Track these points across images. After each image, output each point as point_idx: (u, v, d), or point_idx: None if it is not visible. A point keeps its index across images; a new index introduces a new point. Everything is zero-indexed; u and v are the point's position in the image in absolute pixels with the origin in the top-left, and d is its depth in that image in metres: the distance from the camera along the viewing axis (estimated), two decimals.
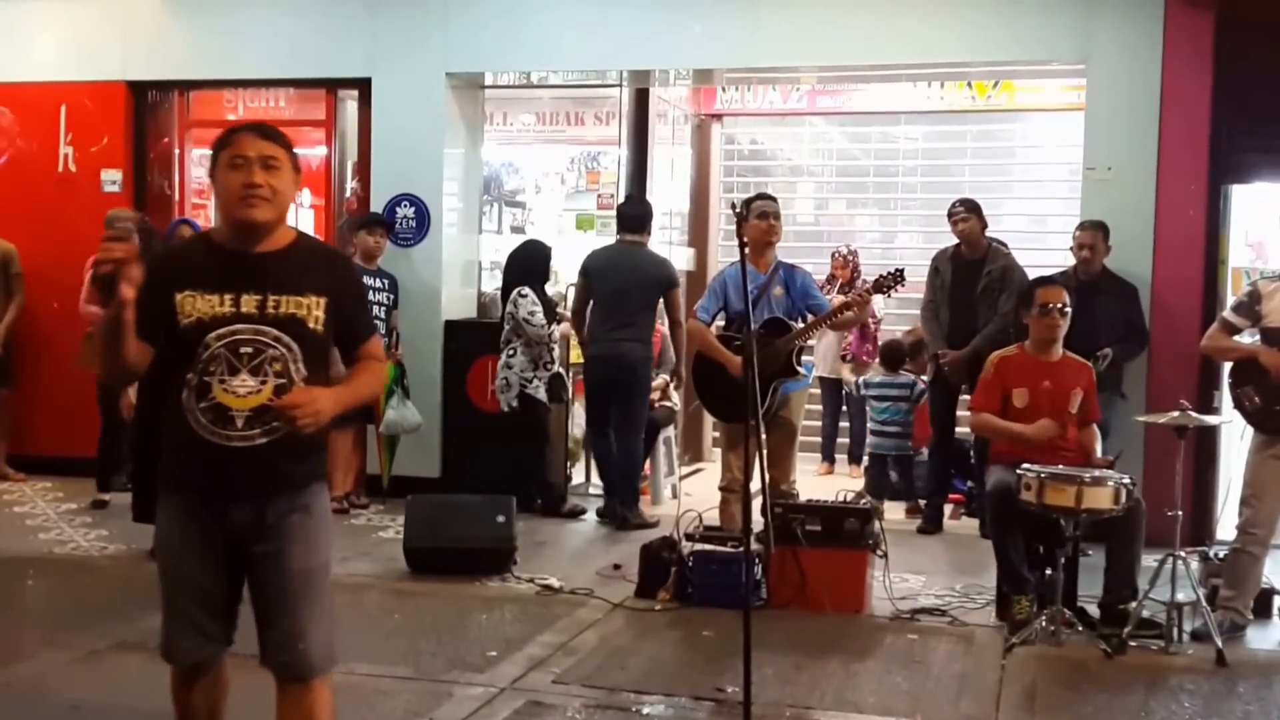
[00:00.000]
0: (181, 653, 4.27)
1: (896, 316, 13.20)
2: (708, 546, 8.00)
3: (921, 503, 10.64)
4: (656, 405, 10.98)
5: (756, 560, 7.48)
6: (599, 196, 13.12)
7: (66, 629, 7.17)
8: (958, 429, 10.45)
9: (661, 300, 10.29)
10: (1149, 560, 7.40)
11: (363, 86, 11.53)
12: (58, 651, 6.78)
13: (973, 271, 9.95)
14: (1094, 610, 7.41)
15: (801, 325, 8.70)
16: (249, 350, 4.04)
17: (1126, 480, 7.10)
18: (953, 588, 8.34)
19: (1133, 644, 7.02)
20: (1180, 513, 7.16)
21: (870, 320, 11.98)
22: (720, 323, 8.98)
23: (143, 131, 12.11)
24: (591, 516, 10.45)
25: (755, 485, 5.64)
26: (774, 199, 9.14)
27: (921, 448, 11.07)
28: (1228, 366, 7.74)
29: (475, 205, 11.90)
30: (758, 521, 6.21)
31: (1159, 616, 7.16)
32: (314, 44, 11.41)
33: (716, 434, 10.99)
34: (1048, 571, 7.34)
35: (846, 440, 12.62)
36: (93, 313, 10.41)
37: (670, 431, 11.50)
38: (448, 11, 11.10)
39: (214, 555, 4.15)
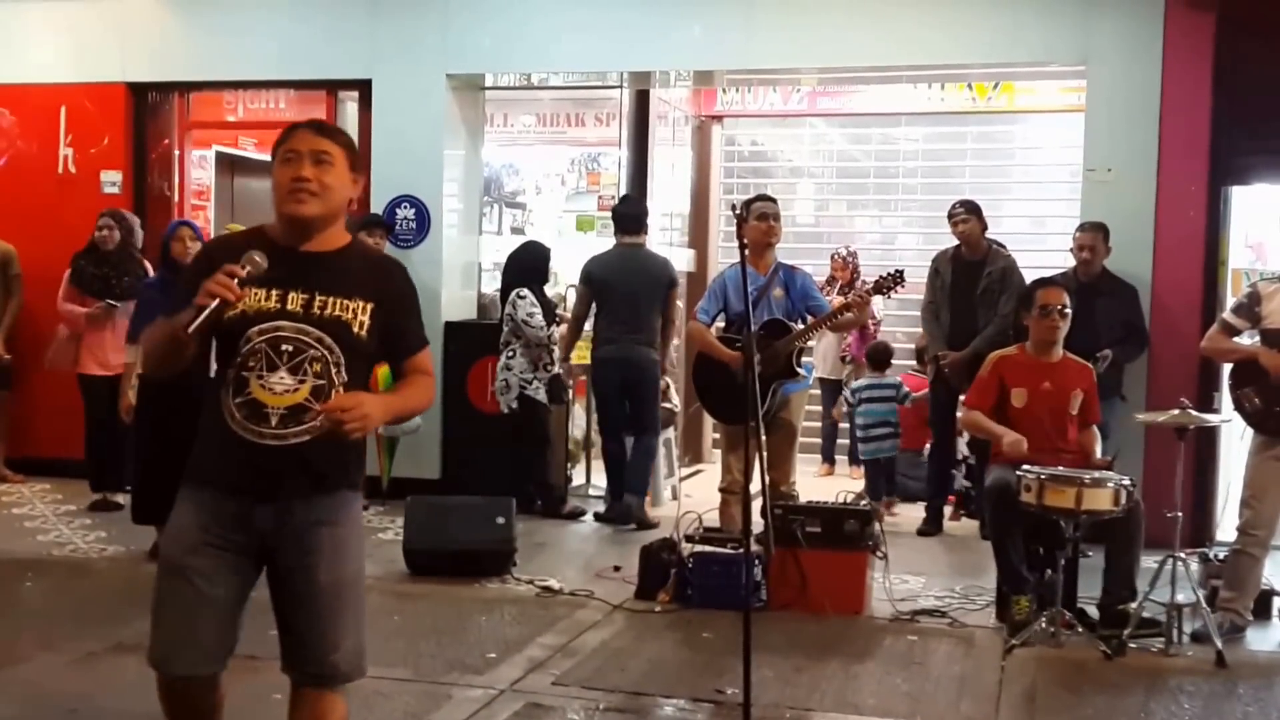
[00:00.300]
0: (167, 660, 4.07)
1: (896, 318, 13.20)
2: (707, 548, 8.00)
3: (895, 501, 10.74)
4: None
5: (756, 562, 7.48)
6: (599, 198, 13.12)
7: (64, 631, 7.16)
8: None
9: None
10: (1149, 561, 7.40)
11: (363, 88, 11.52)
12: (55, 653, 6.77)
13: (973, 273, 9.95)
14: (1094, 611, 7.41)
15: (801, 327, 8.70)
16: (290, 348, 3.96)
17: (1126, 481, 7.10)
18: (952, 589, 8.34)
19: (1132, 645, 7.02)
20: (1180, 514, 7.16)
21: (870, 322, 11.97)
22: (720, 324, 8.98)
23: (142, 133, 12.11)
24: (591, 518, 10.44)
25: (755, 486, 5.65)
26: (774, 200, 9.15)
27: (914, 448, 11.12)
28: (1228, 368, 7.74)
29: (475, 206, 11.90)
30: (758, 523, 6.22)
31: (1159, 618, 7.15)
32: (314, 45, 11.41)
33: (716, 435, 11.00)
34: (1047, 573, 7.33)
35: (846, 441, 12.59)
36: (70, 311, 10.40)
37: (670, 433, 11.49)
38: (448, 13, 11.10)
39: (227, 557, 3.99)
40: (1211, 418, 7.94)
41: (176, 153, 12.19)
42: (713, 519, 8.81)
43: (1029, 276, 9.78)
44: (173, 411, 8.24)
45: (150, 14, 11.83)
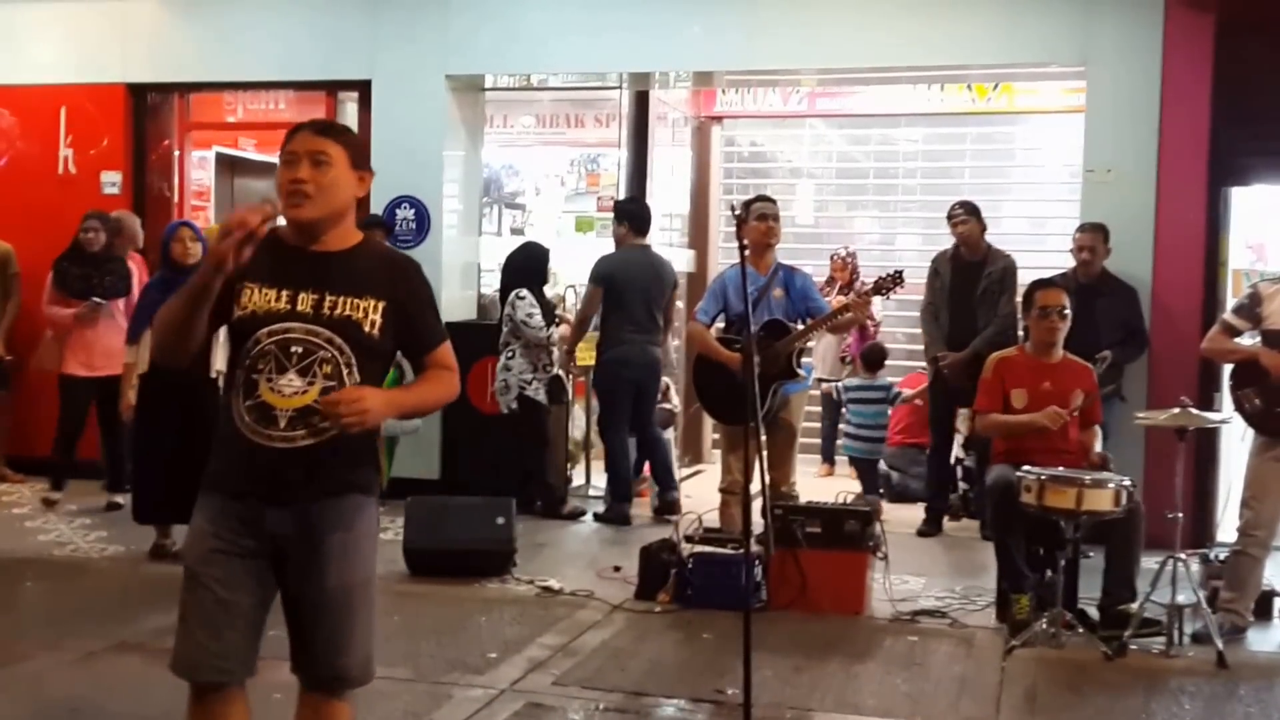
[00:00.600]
0: (194, 667, 4.00)
1: (896, 318, 13.20)
2: (707, 548, 7.99)
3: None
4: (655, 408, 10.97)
5: (756, 562, 7.48)
6: (599, 199, 13.13)
7: (65, 630, 7.16)
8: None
9: None
10: (1149, 562, 7.39)
11: (362, 88, 11.53)
12: (56, 652, 6.76)
13: (972, 273, 9.95)
14: (1094, 612, 7.40)
15: (801, 327, 8.70)
16: (299, 350, 3.93)
17: (1126, 482, 7.09)
18: (953, 590, 8.34)
19: (1133, 646, 7.02)
20: (1181, 515, 7.15)
21: (870, 323, 11.98)
22: (720, 325, 8.98)
23: (142, 134, 12.11)
24: (590, 519, 10.44)
25: (755, 487, 5.64)
26: (773, 201, 9.15)
27: (917, 443, 11.16)
28: (1228, 368, 7.74)
29: (475, 207, 11.90)
30: (758, 523, 6.21)
31: (1160, 619, 7.14)
32: (314, 46, 11.41)
33: (716, 436, 11.00)
34: (1047, 573, 7.32)
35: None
36: (55, 313, 10.37)
37: (670, 433, 11.49)
38: (447, 14, 11.10)
39: (243, 564, 3.96)
40: (1212, 417, 7.94)
41: (176, 153, 12.21)
42: (713, 519, 8.81)
43: (1028, 277, 9.80)
44: (172, 412, 8.35)
45: (150, 15, 11.84)
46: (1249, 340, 7.55)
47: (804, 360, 8.95)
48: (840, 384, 11.87)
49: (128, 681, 6.34)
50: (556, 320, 10.60)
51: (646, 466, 10.91)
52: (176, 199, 12.18)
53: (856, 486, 11.23)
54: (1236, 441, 8.78)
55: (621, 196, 11.82)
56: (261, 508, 3.95)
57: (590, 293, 10.42)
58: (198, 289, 3.87)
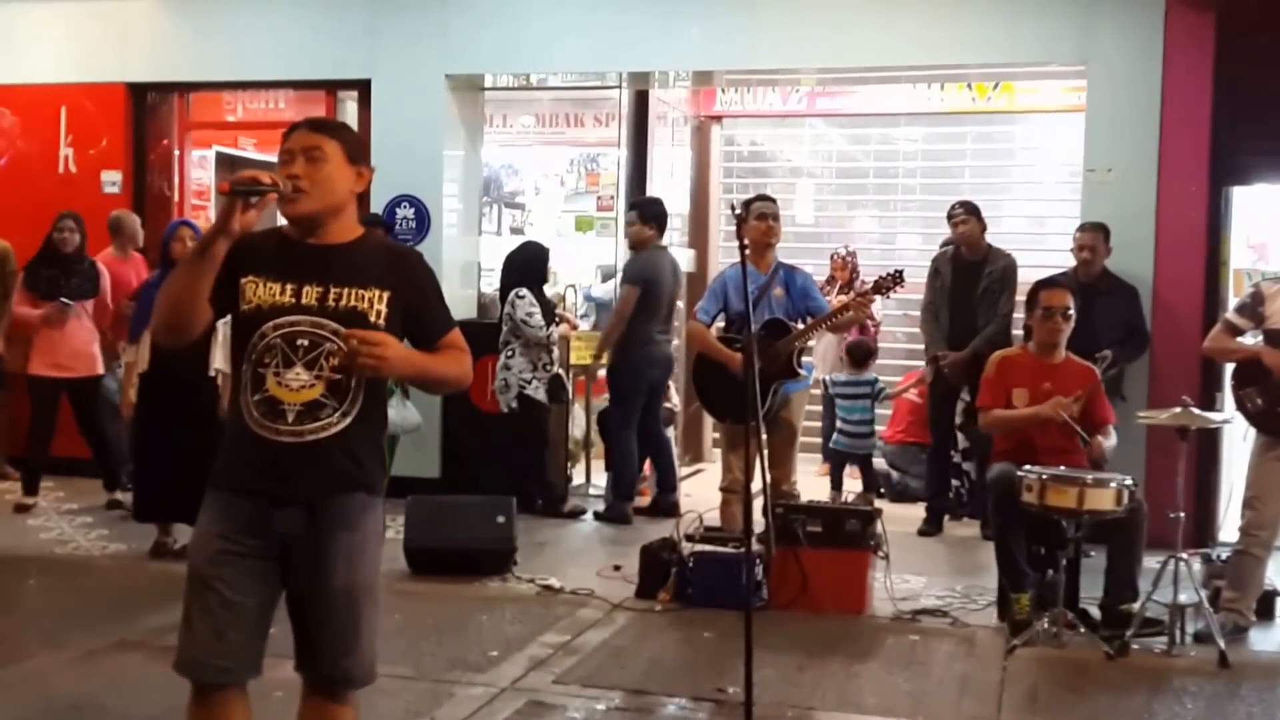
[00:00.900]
0: (197, 667, 3.98)
1: (896, 318, 13.19)
2: (708, 547, 7.99)
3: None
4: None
5: (757, 561, 7.47)
6: (599, 198, 13.12)
7: (67, 628, 7.16)
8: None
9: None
10: (1151, 562, 7.38)
11: (362, 88, 11.53)
12: (58, 651, 6.76)
13: (973, 273, 9.94)
14: (1096, 612, 7.39)
15: (801, 326, 8.69)
16: (305, 343, 3.92)
17: (1128, 481, 7.09)
18: (954, 589, 8.34)
19: (1135, 646, 7.01)
20: (1183, 514, 7.15)
21: (870, 322, 11.98)
22: (720, 324, 8.97)
23: (142, 133, 12.12)
24: (591, 517, 10.44)
25: (756, 486, 5.64)
26: (773, 200, 9.13)
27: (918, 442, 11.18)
28: (1230, 368, 7.73)
29: (475, 206, 11.90)
30: (758, 522, 6.20)
31: (1161, 618, 7.14)
32: (313, 46, 11.41)
33: (716, 435, 10.99)
34: (1049, 573, 7.32)
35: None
36: (23, 314, 10.32)
37: (670, 432, 11.48)
38: (447, 13, 11.09)
39: (249, 564, 3.94)
40: (1213, 417, 7.93)
41: (176, 153, 12.20)
42: (713, 518, 8.80)
43: (1029, 277, 9.80)
44: (172, 410, 8.35)
45: (150, 15, 11.84)
46: (1251, 340, 7.54)
47: (804, 359, 8.94)
48: (828, 378, 11.91)
49: (129, 680, 6.34)
50: (556, 319, 10.59)
51: (647, 465, 10.92)
52: (176, 198, 12.18)
53: (858, 486, 11.26)
54: (1238, 441, 8.77)
55: (621, 196, 11.82)
56: (268, 507, 3.94)
57: (628, 293, 10.32)
58: (202, 251, 3.87)
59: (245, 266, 3.96)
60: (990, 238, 10.14)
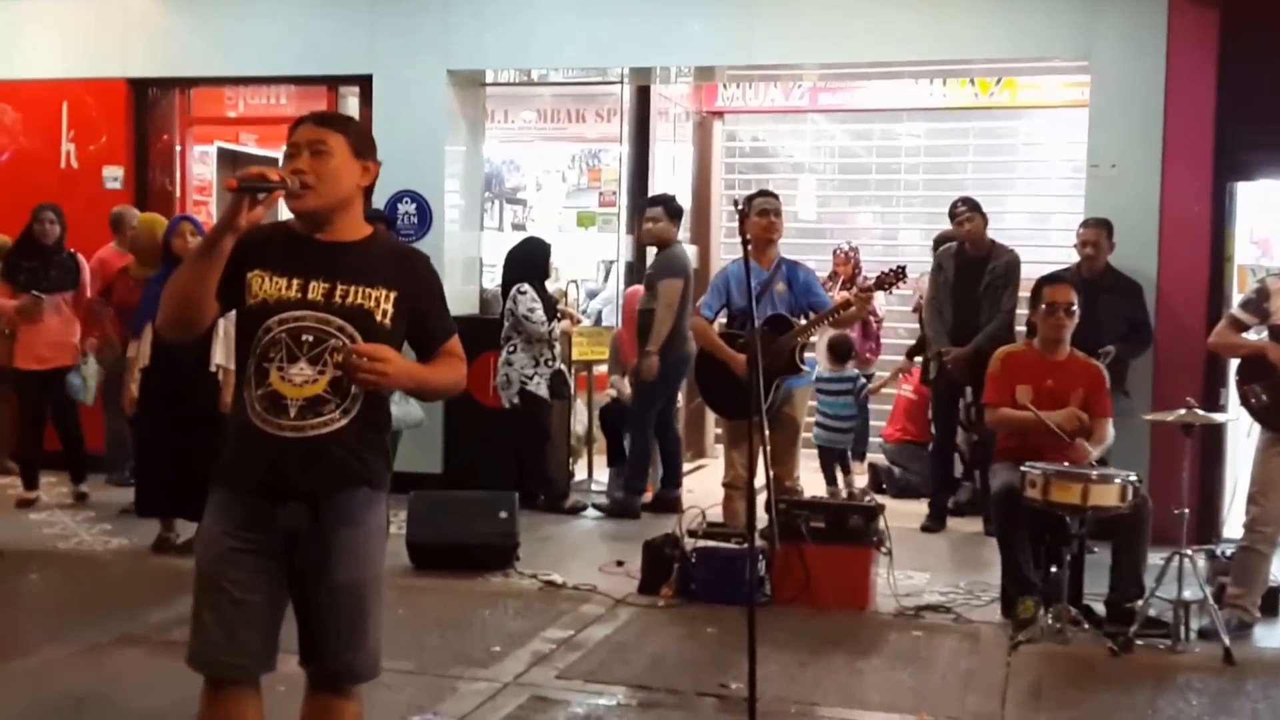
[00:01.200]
0: (211, 663, 3.97)
1: (898, 314, 13.17)
2: (711, 543, 7.97)
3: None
4: None
5: (760, 557, 7.46)
6: (600, 194, 13.11)
7: (69, 623, 7.15)
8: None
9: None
10: (1155, 558, 7.37)
11: (364, 83, 11.51)
12: (61, 645, 6.75)
13: (976, 269, 9.93)
14: (1100, 608, 7.38)
15: (804, 322, 8.67)
16: (310, 339, 3.90)
17: (1133, 478, 7.08)
18: (957, 585, 8.33)
19: (1139, 642, 6.98)
20: (1187, 510, 7.14)
21: (872, 318, 11.97)
22: (723, 320, 8.95)
23: (144, 128, 12.11)
24: (593, 512, 10.45)
25: (759, 481, 5.62)
26: (775, 196, 9.10)
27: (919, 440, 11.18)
28: (1234, 363, 7.72)
29: (476, 202, 11.89)
30: (761, 518, 6.19)
31: (1166, 615, 7.12)
32: (315, 41, 11.40)
33: (718, 431, 10.98)
34: (1053, 569, 7.30)
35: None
36: (1, 305, 10.28)
37: None
38: (448, 8, 11.08)
39: (256, 561, 3.93)
40: (1218, 416, 7.91)
41: (178, 148, 12.19)
42: (716, 514, 8.78)
43: (1031, 273, 9.80)
44: (173, 406, 8.35)
45: (151, 10, 11.83)
46: (1256, 335, 7.52)
47: (806, 355, 8.92)
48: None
49: (132, 674, 6.33)
50: (558, 315, 10.58)
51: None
52: (178, 194, 12.17)
53: (860, 481, 11.26)
54: (1242, 437, 8.76)
55: (623, 192, 11.82)
56: (272, 501, 3.93)
57: (674, 286, 10.21)
58: (208, 246, 3.85)
59: (252, 261, 3.95)
60: (992, 233, 10.13)
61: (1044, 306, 7.80)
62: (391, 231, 10.79)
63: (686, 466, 11.01)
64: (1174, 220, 9.68)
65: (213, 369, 8.25)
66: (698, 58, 11.32)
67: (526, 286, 10.23)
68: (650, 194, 11.73)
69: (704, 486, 10.67)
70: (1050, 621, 7.03)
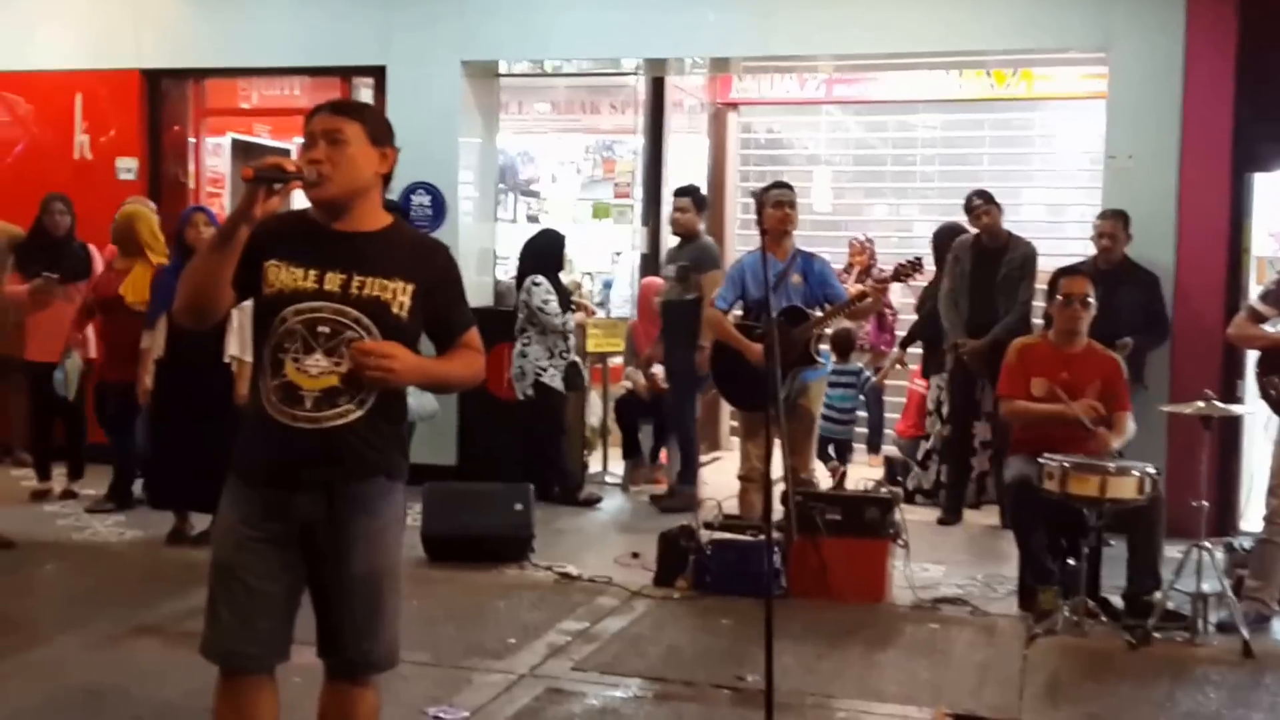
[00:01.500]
0: (225, 653, 3.98)
1: (909, 305, 13.13)
2: (726, 535, 7.95)
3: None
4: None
5: (776, 549, 7.43)
6: (615, 185, 13.10)
7: (85, 614, 7.15)
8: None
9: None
10: (1174, 551, 7.33)
11: (377, 74, 11.49)
12: (75, 636, 6.75)
13: (992, 260, 9.89)
14: (1118, 601, 7.34)
15: (819, 314, 8.64)
16: (326, 330, 3.88)
17: (1151, 470, 7.04)
18: (973, 577, 8.29)
19: (1157, 635, 6.95)
20: (1206, 503, 7.10)
21: (887, 310, 11.94)
22: (738, 311, 8.92)
23: (157, 120, 12.10)
24: (608, 504, 10.45)
25: (775, 473, 5.59)
26: (790, 187, 9.07)
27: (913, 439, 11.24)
28: (1253, 355, 7.67)
29: (491, 194, 11.87)
30: (777, 510, 6.16)
31: (1184, 607, 7.09)
32: (329, 32, 11.38)
33: (734, 423, 10.96)
34: (1070, 562, 7.27)
35: (864, 430, 12.53)
36: (13, 293, 10.21)
37: None
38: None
39: (272, 551, 3.92)
40: (1236, 408, 7.87)
41: (191, 140, 12.18)
42: (731, 506, 8.76)
43: (1048, 264, 9.77)
44: (187, 397, 8.34)
45: (165, 1, 11.81)
46: (1274, 327, 7.49)
47: (822, 347, 8.90)
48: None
49: (147, 665, 6.33)
50: (573, 306, 10.56)
51: (663, 454, 10.90)
52: (192, 185, 12.17)
53: (875, 474, 11.21)
54: (1259, 429, 8.73)
55: (638, 184, 11.80)
56: (289, 492, 3.91)
57: (717, 277, 10.14)
58: (223, 236, 3.84)
59: (269, 250, 3.93)
60: (1008, 225, 10.10)
61: (1060, 298, 7.77)
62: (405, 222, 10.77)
63: (701, 459, 10.98)
64: (1191, 211, 9.63)
65: (226, 360, 8.24)
66: (713, 49, 11.27)
67: (541, 278, 10.22)
68: (663, 186, 11.73)
69: (718, 479, 10.65)
70: (1068, 614, 7.00)
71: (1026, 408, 7.69)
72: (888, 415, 12.37)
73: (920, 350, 11.15)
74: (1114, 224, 9.39)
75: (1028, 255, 9.89)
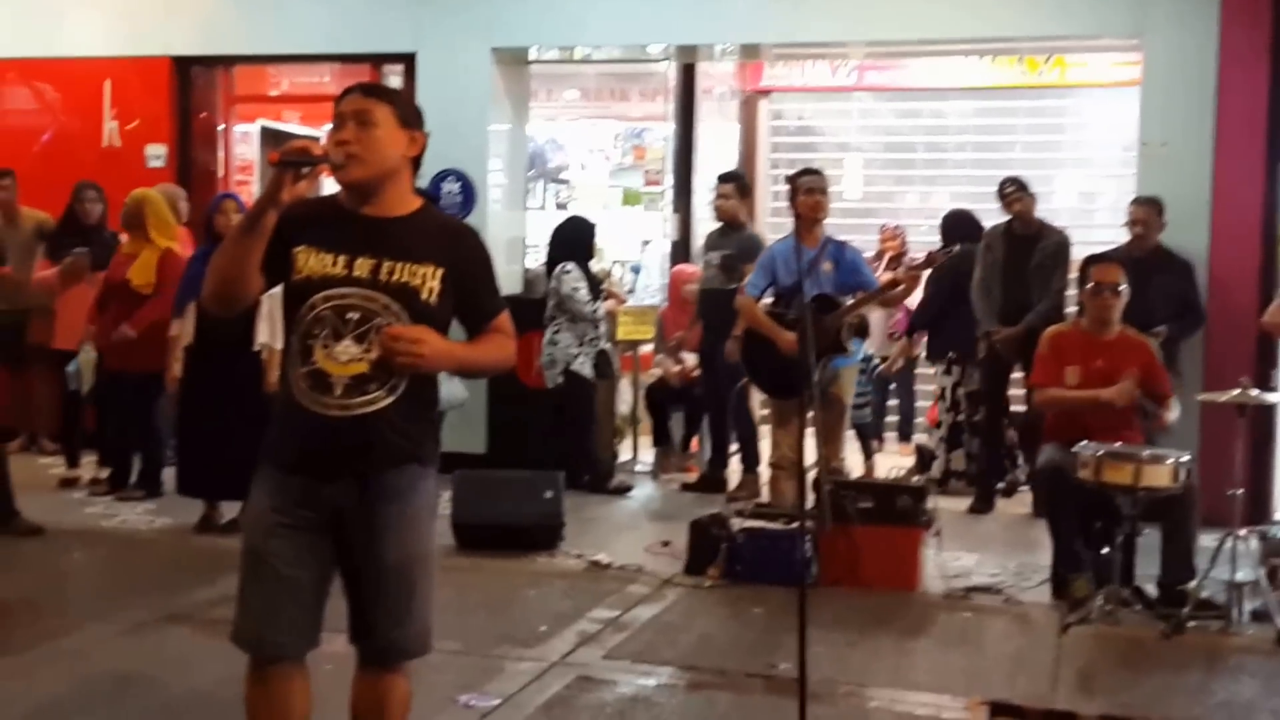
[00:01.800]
0: (255, 641, 3.96)
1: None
2: (758, 523, 7.92)
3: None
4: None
5: (807, 537, 7.41)
6: (646, 172, 13.07)
7: (114, 602, 7.15)
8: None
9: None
10: (1208, 540, 7.28)
11: (408, 61, 11.46)
12: (105, 624, 6.75)
13: (1025, 248, 9.82)
14: (1152, 590, 7.29)
15: (850, 301, 8.60)
16: (355, 316, 3.85)
17: (1185, 458, 6.99)
18: (1006, 566, 8.23)
19: (1191, 624, 6.90)
20: (1240, 491, 7.04)
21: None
22: (768, 299, 8.88)
23: (187, 107, 12.10)
24: (639, 493, 10.45)
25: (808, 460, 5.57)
26: (821, 174, 9.01)
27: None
28: None
29: (520, 181, 11.85)
30: (809, 498, 6.14)
31: (1218, 596, 7.05)
32: (359, 19, 11.36)
33: (764, 411, 10.92)
34: (1104, 550, 7.23)
35: (895, 418, 12.49)
36: (43, 278, 10.18)
37: None
38: None
39: (303, 538, 3.91)
40: (1271, 396, 7.81)
41: (221, 127, 12.19)
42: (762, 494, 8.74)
43: (1079, 252, 9.71)
44: (216, 385, 8.35)
45: None
46: None
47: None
48: None
49: (177, 653, 6.33)
50: (603, 294, 10.54)
51: (694, 442, 10.88)
52: (221, 172, 12.18)
53: (906, 462, 11.19)
54: None
55: (669, 171, 11.77)
56: (319, 479, 3.90)
57: None
58: (250, 221, 3.82)
59: (298, 236, 3.90)
60: (1040, 213, 10.03)
61: (1090, 286, 7.72)
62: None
63: (732, 447, 10.96)
64: (1226, 199, 9.57)
65: (256, 348, 8.24)
66: (743, 35, 11.21)
67: (571, 266, 10.20)
68: (693, 174, 11.70)
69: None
70: (1101, 603, 6.95)
71: (1062, 395, 7.64)
72: (919, 404, 12.32)
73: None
74: (1148, 211, 9.34)
75: (1060, 244, 9.82)
